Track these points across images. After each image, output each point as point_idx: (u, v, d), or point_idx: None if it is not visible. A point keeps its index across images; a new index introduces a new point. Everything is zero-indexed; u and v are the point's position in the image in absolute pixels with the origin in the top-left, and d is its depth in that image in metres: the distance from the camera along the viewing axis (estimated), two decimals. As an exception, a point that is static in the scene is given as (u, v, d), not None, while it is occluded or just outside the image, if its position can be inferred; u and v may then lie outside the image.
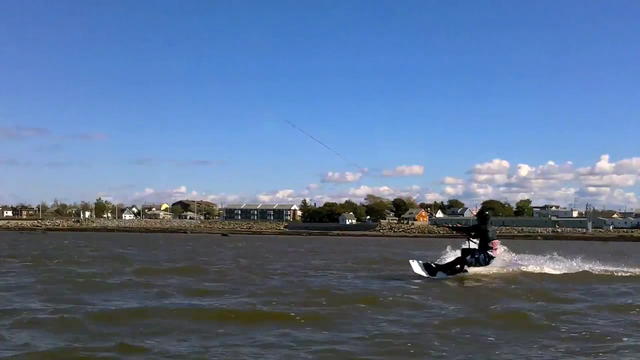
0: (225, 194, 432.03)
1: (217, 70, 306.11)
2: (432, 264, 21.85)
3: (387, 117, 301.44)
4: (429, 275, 21.15)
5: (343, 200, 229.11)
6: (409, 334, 10.93)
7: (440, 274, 21.19)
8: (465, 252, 21.30)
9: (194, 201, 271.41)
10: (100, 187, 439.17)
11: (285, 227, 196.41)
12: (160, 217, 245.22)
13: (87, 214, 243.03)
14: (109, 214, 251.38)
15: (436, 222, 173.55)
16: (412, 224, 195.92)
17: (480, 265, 21.26)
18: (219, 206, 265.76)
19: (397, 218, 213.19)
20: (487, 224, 21.59)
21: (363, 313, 13.14)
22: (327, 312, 13.20)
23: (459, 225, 24.20)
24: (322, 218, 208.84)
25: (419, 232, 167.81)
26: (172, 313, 12.53)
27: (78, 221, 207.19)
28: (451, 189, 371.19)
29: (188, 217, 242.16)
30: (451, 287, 18.69)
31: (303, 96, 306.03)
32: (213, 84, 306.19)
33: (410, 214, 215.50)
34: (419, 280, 20.16)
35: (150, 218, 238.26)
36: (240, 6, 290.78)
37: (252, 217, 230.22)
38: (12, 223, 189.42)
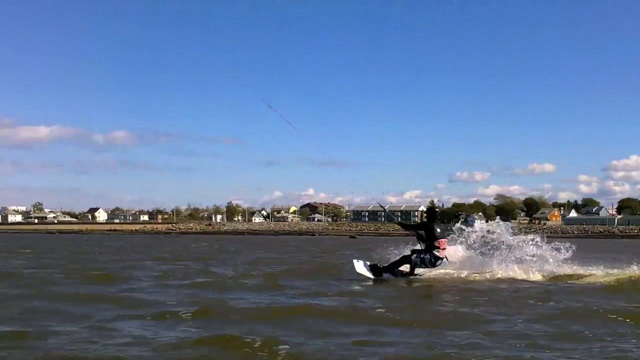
0: (352, 195, 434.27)
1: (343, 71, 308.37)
2: (379, 265, 20.54)
3: (517, 114, 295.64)
4: (375, 277, 20.04)
5: (472, 200, 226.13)
6: (553, 333, 10.61)
7: (387, 276, 20.17)
8: (414, 251, 20.05)
9: (321, 203, 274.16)
10: (231, 190, 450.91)
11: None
12: (289, 219, 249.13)
13: (219, 217, 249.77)
14: (240, 217, 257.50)
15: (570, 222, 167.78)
16: (545, 224, 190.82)
17: (426, 266, 19.89)
18: (347, 208, 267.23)
19: (528, 218, 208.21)
20: (435, 221, 20.11)
21: (502, 313, 12.84)
22: (459, 313, 12.98)
23: (400, 221, 21.74)
24: (450, 219, 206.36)
25: (551, 233, 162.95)
26: (304, 312, 12.66)
27: (210, 224, 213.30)
28: (585, 187, 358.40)
29: (316, 220, 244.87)
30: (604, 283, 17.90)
31: (425, 91, 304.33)
32: (342, 87, 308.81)
33: (542, 213, 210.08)
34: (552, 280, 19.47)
35: (279, 221, 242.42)
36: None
37: (379, 219, 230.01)
38: (149, 227, 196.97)
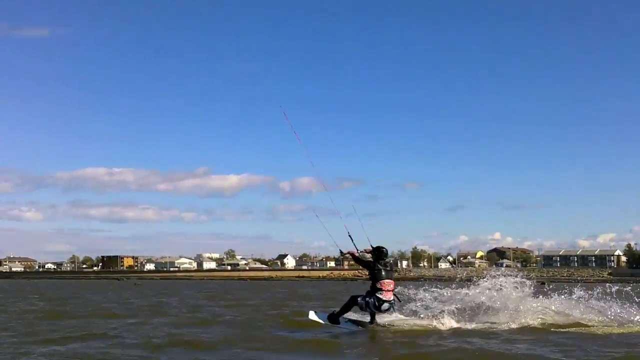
0: (541, 239, 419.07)
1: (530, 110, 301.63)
2: (334, 312, 19.56)
3: None
4: (331, 324, 19.16)
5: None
6: None
7: (344, 322, 19.22)
8: (368, 293, 18.83)
9: (509, 248, 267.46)
10: (416, 235, 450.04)
11: (609, 274, 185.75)
12: (476, 265, 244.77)
13: (405, 263, 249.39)
14: (425, 263, 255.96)
15: None
16: None
17: (371, 310, 18.74)
18: (536, 253, 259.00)
19: None
20: (381, 261, 18.83)
21: None
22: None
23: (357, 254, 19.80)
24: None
25: None
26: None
27: (396, 270, 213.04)
28: None
29: (504, 265, 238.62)
30: None
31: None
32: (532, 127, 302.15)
33: None
34: None
35: (465, 266, 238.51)
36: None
37: (571, 264, 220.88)
38: (335, 273, 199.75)
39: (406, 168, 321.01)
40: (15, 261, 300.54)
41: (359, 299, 19.09)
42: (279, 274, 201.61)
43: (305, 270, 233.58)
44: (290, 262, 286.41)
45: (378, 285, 18.71)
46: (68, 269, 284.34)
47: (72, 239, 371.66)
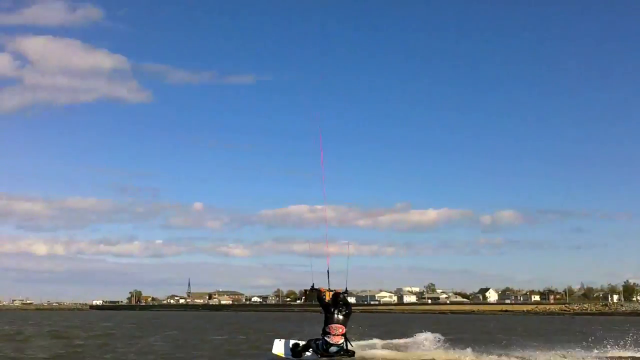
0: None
1: None
2: (299, 344, 20.35)
3: None
4: (294, 358, 19.92)
5: None
6: None
7: (306, 356, 19.83)
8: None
9: None
10: (628, 268, 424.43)
11: None
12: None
13: (615, 297, 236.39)
14: (639, 297, 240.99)
15: None
16: None
17: (320, 352, 19.07)
18: None
19: None
20: (337, 306, 19.44)
21: None
22: None
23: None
24: None
25: None
26: None
27: (606, 305, 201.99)
28: None
29: None
30: None
31: None
32: None
33: None
34: None
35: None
36: None
37: None
38: (540, 307, 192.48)
39: (614, 197, 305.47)
40: (224, 295, 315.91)
41: (312, 341, 20.25)
42: (481, 307, 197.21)
43: (508, 304, 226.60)
44: (492, 296, 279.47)
45: (327, 329, 19.63)
46: (273, 302, 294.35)
47: (276, 273, 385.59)
